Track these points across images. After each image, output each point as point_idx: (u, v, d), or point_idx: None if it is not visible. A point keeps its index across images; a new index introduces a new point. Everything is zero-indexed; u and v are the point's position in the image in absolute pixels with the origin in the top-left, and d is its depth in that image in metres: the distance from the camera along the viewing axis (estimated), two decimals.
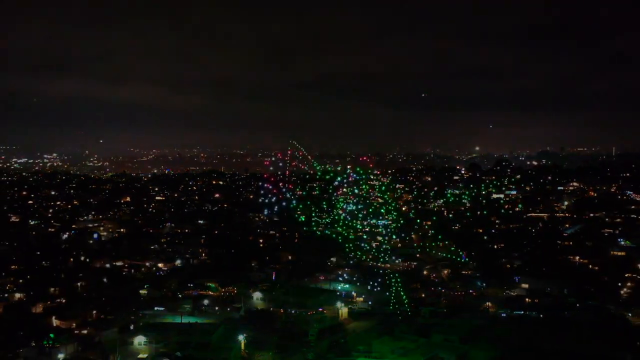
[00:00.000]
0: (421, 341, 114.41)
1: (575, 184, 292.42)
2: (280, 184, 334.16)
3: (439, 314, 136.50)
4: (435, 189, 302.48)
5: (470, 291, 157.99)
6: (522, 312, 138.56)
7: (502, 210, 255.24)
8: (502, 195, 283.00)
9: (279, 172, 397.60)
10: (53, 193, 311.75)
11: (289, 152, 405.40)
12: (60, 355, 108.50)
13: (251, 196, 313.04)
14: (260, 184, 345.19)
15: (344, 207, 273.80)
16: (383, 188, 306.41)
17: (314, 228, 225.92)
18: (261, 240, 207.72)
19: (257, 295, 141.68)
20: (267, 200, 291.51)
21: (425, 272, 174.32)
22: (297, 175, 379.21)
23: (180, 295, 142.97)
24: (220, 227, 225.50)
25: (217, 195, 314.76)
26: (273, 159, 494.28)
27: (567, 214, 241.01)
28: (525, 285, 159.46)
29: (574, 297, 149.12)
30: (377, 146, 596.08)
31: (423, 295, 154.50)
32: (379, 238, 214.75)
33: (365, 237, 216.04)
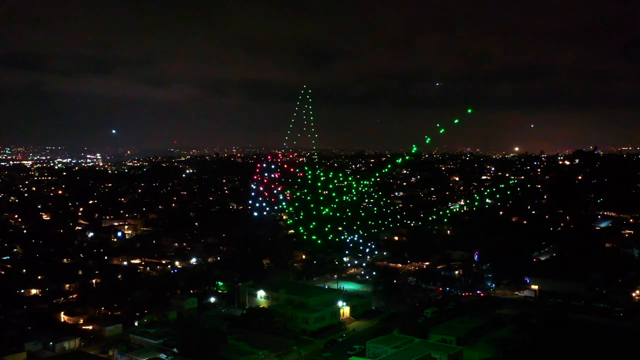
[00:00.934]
0: (416, 341, 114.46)
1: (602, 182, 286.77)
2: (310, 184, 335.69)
3: (443, 314, 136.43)
4: (462, 188, 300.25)
5: (479, 292, 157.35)
6: (527, 314, 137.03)
7: (525, 210, 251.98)
8: (525, 194, 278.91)
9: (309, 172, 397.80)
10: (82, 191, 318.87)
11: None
12: (63, 349, 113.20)
13: (280, 196, 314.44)
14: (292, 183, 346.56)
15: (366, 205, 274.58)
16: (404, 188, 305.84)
17: (328, 227, 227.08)
18: (278, 239, 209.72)
19: (260, 293, 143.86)
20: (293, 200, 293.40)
21: (437, 272, 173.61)
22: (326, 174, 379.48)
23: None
24: (241, 226, 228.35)
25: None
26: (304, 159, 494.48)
27: (590, 213, 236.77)
28: (535, 287, 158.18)
29: (583, 299, 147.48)
30: (419, 147, 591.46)
31: (431, 295, 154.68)
32: (396, 238, 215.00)
33: (382, 237, 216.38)
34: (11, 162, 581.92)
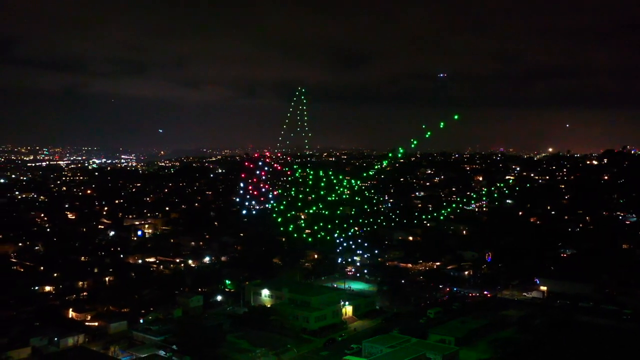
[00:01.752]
0: (413, 341, 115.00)
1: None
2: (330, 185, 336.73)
3: (446, 315, 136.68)
4: (484, 189, 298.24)
5: (485, 292, 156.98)
6: (532, 315, 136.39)
7: (545, 210, 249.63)
8: (547, 194, 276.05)
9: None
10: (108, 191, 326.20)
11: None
12: (67, 345, 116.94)
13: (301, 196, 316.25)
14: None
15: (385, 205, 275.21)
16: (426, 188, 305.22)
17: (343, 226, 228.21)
18: (290, 238, 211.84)
19: (265, 292, 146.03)
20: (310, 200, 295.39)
21: (446, 273, 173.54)
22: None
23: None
24: (257, 225, 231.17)
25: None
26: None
27: (610, 214, 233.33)
28: (544, 288, 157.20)
29: (592, 301, 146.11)
30: (446, 146, 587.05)
31: (437, 295, 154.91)
32: (410, 238, 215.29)
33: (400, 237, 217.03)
34: (48, 163, 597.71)
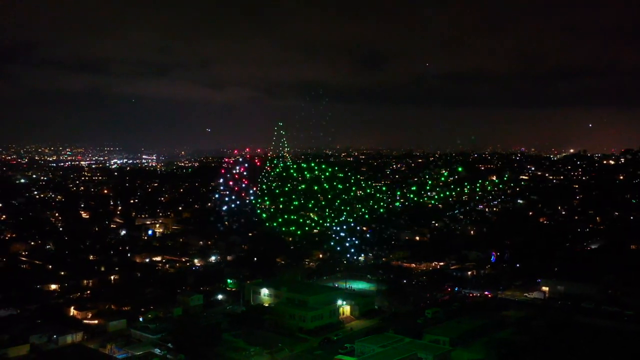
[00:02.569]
0: (406, 341, 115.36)
1: None
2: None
3: (444, 315, 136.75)
4: (496, 189, 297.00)
5: (486, 293, 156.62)
6: (530, 316, 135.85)
7: (555, 210, 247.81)
8: (559, 194, 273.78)
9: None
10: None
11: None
12: (66, 342, 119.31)
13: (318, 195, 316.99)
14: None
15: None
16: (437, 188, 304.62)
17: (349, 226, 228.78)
18: (297, 237, 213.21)
19: (264, 291, 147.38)
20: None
21: (449, 273, 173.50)
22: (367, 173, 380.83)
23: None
24: (267, 225, 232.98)
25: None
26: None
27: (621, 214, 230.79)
28: (546, 288, 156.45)
29: (594, 302, 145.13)
30: (466, 146, 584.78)
31: (437, 295, 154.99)
32: (417, 238, 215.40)
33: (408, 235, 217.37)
34: (70, 163, 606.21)
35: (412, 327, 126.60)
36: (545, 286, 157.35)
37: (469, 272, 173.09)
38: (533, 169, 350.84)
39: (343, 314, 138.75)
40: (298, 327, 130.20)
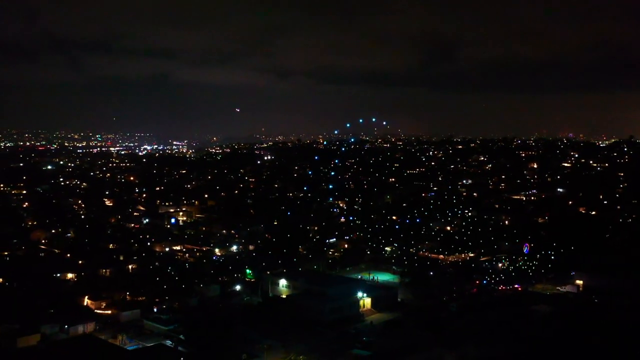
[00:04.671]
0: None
1: None
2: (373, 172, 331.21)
3: (470, 308, 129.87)
4: (535, 177, 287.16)
5: (516, 286, 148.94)
6: (558, 312, 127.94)
7: (597, 200, 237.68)
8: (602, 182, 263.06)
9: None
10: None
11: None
12: (77, 332, 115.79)
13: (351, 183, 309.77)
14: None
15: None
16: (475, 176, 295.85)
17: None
18: (322, 226, 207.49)
19: (282, 282, 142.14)
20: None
21: (479, 264, 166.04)
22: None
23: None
24: (292, 214, 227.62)
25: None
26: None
27: None
28: (580, 282, 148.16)
29: (630, 298, 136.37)
30: (512, 132, 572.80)
31: (465, 288, 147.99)
32: (448, 228, 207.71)
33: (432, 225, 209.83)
34: (99, 149, 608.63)
35: (434, 321, 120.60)
36: (580, 279, 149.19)
37: (500, 264, 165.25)
38: (577, 156, 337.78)
39: (364, 306, 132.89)
40: (315, 319, 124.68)
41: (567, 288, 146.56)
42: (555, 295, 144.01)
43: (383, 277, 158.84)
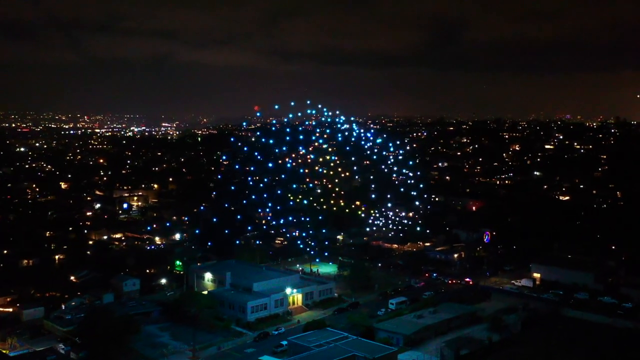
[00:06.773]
0: (350, 339, 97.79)
1: None
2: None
3: (413, 305, 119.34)
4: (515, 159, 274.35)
5: (468, 279, 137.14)
6: (510, 308, 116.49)
7: (573, 184, 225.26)
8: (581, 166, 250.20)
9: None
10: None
11: None
12: None
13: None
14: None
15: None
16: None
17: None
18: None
19: (207, 276, 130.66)
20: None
21: (434, 255, 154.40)
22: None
23: None
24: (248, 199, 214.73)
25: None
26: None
27: None
28: (537, 275, 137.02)
29: (589, 292, 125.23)
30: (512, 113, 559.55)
31: (411, 281, 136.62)
32: (410, 215, 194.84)
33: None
34: (83, 130, 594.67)
35: (366, 321, 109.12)
36: (537, 272, 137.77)
37: (456, 255, 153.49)
38: (561, 137, 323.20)
39: (294, 303, 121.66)
40: (236, 318, 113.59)
41: (523, 282, 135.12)
42: (508, 290, 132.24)
43: (327, 268, 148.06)
